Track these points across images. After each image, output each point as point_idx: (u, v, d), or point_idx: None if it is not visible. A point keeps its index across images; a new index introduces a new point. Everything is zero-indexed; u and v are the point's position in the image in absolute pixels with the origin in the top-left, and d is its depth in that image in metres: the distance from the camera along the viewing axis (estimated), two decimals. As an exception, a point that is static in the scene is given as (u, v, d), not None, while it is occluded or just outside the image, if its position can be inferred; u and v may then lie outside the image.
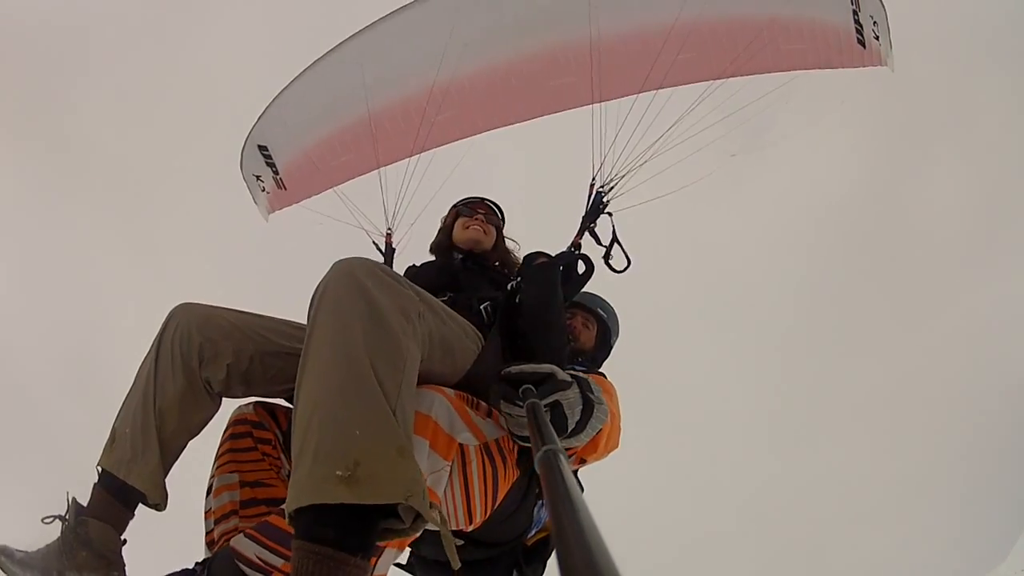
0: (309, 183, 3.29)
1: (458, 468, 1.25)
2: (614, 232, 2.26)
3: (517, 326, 1.71)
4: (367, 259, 1.15)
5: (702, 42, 2.63)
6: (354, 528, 0.90)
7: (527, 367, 1.29)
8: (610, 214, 2.31)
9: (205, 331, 1.39)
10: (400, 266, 2.46)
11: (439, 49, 2.78)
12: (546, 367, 1.29)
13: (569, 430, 1.31)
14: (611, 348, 2.48)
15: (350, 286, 1.06)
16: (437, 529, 1.00)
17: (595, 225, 2.27)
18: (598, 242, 2.25)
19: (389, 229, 2.70)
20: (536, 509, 1.64)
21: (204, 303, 1.46)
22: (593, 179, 2.40)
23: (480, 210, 2.32)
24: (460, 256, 2.23)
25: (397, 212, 2.73)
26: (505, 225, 2.43)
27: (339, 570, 0.87)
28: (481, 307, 1.77)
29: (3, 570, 1.21)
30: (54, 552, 1.25)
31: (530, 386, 1.21)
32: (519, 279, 1.88)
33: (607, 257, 2.21)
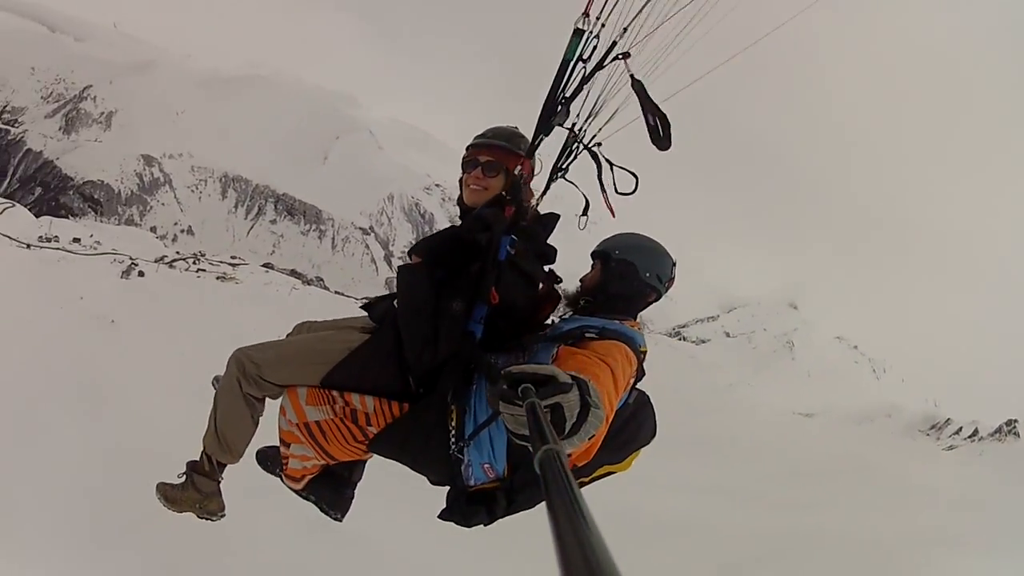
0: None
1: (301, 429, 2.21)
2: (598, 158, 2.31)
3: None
4: (244, 350, 2.25)
5: None
6: (206, 465, 2.42)
7: (528, 368, 1.29)
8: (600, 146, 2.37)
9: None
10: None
11: None
12: (547, 368, 1.30)
13: (566, 432, 1.30)
14: (639, 276, 2.23)
15: (227, 371, 2.27)
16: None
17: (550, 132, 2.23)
18: (596, 163, 2.31)
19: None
20: (463, 467, 2.00)
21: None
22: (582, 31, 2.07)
23: (481, 157, 2.21)
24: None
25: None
26: (538, 148, 2.20)
27: (196, 474, 2.40)
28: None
29: None
30: None
31: (529, 385, 1.22)
32: None
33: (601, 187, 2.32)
